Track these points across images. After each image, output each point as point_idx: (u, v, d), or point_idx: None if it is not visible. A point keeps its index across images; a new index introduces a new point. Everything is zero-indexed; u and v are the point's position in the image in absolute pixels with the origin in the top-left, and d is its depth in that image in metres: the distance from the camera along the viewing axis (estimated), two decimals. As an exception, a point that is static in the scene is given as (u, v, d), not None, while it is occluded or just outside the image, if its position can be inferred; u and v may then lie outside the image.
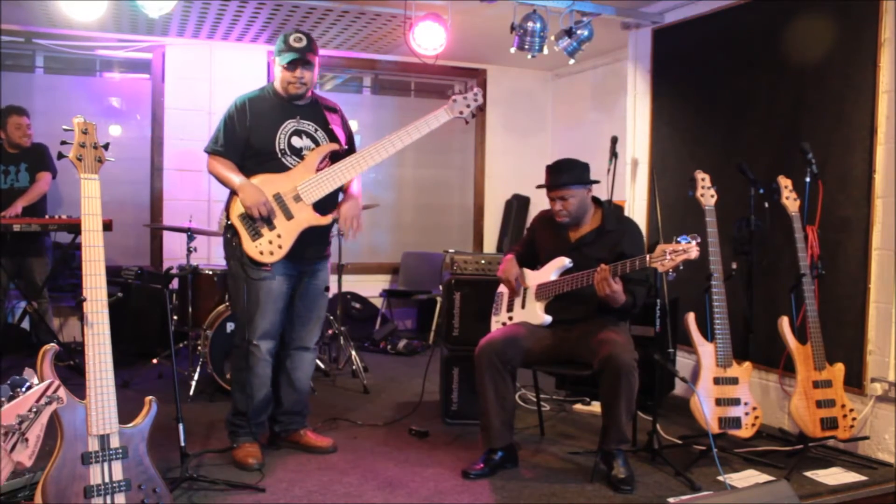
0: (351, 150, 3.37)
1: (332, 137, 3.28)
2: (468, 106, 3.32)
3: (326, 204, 3.20)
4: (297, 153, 3.20)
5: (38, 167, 4.75)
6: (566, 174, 3.18)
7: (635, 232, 3.25)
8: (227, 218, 3.16)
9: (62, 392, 2.09)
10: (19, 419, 2.00)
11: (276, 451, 3.36)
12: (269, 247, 3.10)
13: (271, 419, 3.43)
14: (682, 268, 2.81)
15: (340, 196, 3.36)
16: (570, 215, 3.21)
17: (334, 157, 3.25)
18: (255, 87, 3.34)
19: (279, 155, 3.17)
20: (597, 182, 3.24)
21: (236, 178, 3.13)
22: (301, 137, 3.22)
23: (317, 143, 3.24)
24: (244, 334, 3.19)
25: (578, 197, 3.17)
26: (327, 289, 3.42)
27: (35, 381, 2.09)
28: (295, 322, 3.33)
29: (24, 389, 2.04)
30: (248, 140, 3.18)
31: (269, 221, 3.10)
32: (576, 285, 3.10)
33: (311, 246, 3.25)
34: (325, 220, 3.17)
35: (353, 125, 6.56)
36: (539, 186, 3.29)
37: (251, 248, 3.09)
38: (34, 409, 2.03)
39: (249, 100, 3.23)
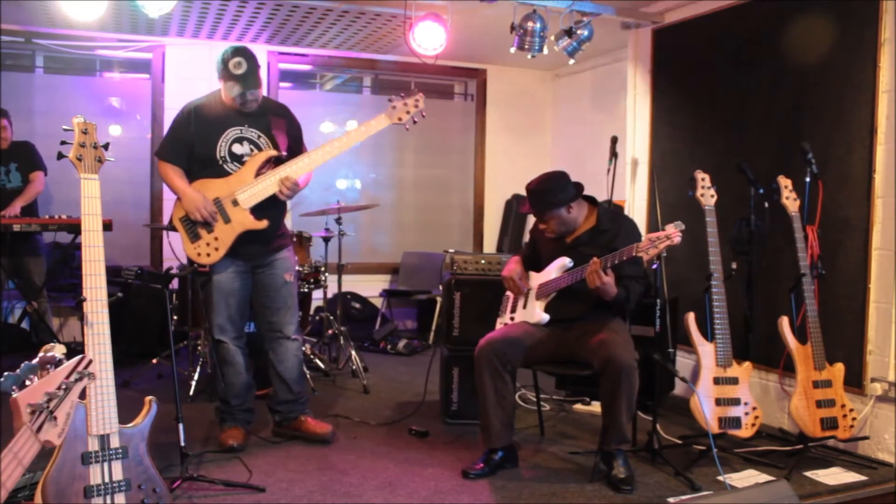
0: (297, 150, 3.42)
1: (275, 144, 3.36)
2: (408, 112, 3.38)
3: (265, 208, 3.28)
4: (238, 160, 3.30)
5: (29, 167, 4.72)
6: (540, 202, 3.22)
7: (630, 229, 3.26)
8: (170, 221, 3.30)
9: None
10: (47, 397, 1.97)
11: (276, 451, 3.36)
12: (207, 248, 3.24)
13: (270, 410, 3.54)
14: (665, 254, 2.88)
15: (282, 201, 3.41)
16: (555, 232, 3.27)
17: (277, 163, 3.33)
18: (224, 87, 3.35)
19: (220, 162, 3.28)
20: (576, 198, 3.22)
21: (180, 184, 3.27)
22: (242, 144, 3.32)
23: (259, 149, 3.33)
24: (211, 331, 3.39)
25: (557, 217, 3.22)
26: (291, 275, 3.46)
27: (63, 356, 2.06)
28: (264, 313, 3.45)
29: (53, 367, 2.01)
30: (191, 146, 3.30)
31: (207, 225, 3.23)
32: (572, 280, 3.12)
33: (258, 244, 3.34)
34: (261, 224, 3.26)
35: (353, 125, 6.58)
36: (522, 212, 3.34)
37: (190, 249, 3.26)
38: (64, 387, 2.00)
39: (196, 107, 3.35)
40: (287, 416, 3.51)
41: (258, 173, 3.26)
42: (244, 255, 3.33)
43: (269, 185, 3.25)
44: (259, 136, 3.33)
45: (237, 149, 3.30)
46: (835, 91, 3.65)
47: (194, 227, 3.24)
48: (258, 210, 3.26)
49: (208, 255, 3.24)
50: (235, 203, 3.23)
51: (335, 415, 3.91)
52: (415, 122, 3.41)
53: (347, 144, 3.33)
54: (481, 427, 3.18)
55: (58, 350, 2.08)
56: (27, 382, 1.97)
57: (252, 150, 3.31)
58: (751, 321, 3.81)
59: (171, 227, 3.31)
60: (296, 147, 3.44)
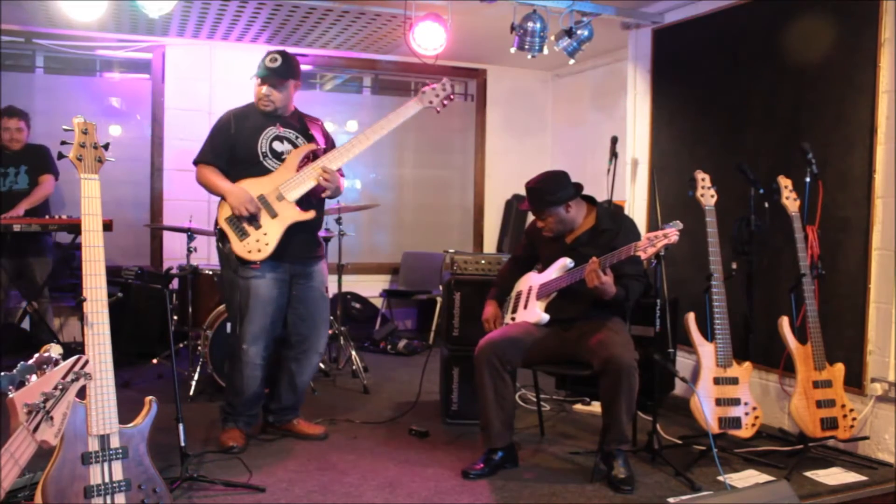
0: None
1: (312, 141, 3.39)
2: (437, 95, 3.45)
3: (309, 203, 3.32)
4: (279, 157, 3.33)
5: (39, 170, 4.71)
6: (539, 200, 3.23)
7: (630, 229, 3.26)
8: (217, 223, 3.27)
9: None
10: (44, 397, 1.97)
11: (276, 451, 3.36)
12: (257, 245, 3.22)
13: (266, 410, 3.57)
14: (663, 253, 2.90)
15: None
16: (554, 231, 3.27)
17: (315, 158, 3.36)
18: (254, 87, 3.41)
19: (261, 158, 3.30)
20: (575, 196, 3.23)
21: (223, 184, 3.26)
22: (282, 142, 3.35)
23: (297, 147, 3.36)
24: (236, 337, 3.34)
25: (556, 216, 3.23)
26: (326, 289, 3.50)
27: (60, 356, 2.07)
28: (299, 326, 3.43)
29: (50, 367, 2.02)
30: (232, 148, 3.31)
31: (254, 221, 3.22)
32: (572, 280, 3.12)
33: (300, 247, 3.34)
34: (308, 214, 3.27)
35: (353, 125, 6.60)
36: (522, 209, 3.36)
37: (239, 247, 3.22)
38: (60, 387, 1.99)
39: (236, 111, 3.39)
40: (281, 418, 3.56)
41: (299, 168, 3.29)
42: (288, 257, 3.31)
43: (310, 175, 3.27)
44: (297, 137, 3.39)
45: (277, 146, 3.33)
46: (835, 91, 3.65)
47: (241, 225, 3.23)
48: (303, 205, 3.28)
49: (259, 250, 3.22)
50: (280, 198, 3.24)
51: (334, 418, 3.91)
52: (444, 105, 3.48)
53: (380, 132, 3.39)
54: (481, 427, 3.18)
55: (54, 350, 2.08)
56: (24, 382, 1.97)
57: (291, 149, 3.35)
58: (751, 321, 3.82)
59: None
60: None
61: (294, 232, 3.28)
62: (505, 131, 6.85)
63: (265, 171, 3.29)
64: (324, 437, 3.54)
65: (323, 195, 3.36)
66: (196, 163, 3.36)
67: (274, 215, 3.24)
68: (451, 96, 3.48)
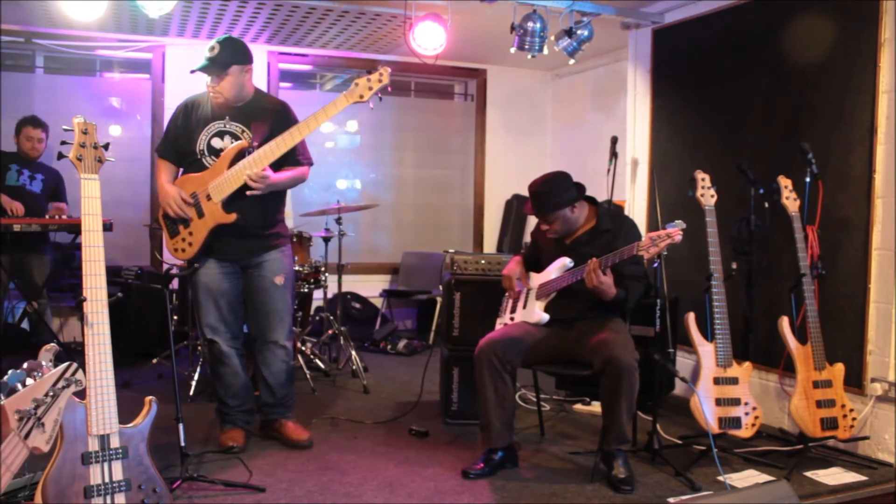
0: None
1: (256, 134, 3.26)
2: (370, 88, 3.18)
3: (248, 204, 3.20)
4: (217, 154, 3.28)
5: (54, 193, 4.83)
6: (544, 203, 3.20)
7: (631, 229, 3.26)
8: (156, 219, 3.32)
9: (80, 375, 2.08)
10: (35, 403, 1.98)
11: (276, 451, 3.36)
12: (182, 244, 3.26)
13: (257, 408, 3.56)
14: (666, 253, 2.89)
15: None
16: (558, 233, 3.27)
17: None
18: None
19: (199, 156, 3.29)
20: (579, 198, 3.23)
21: (160, 180, 3.33)
22: (223, 138, 3.29)
23: None
24: (202, 331, 3.39)
25: (560, 218, 3.22)
26: (284, 277, 3.37)
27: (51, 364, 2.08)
28: (254, 316, 3.42)
29: (41, 373, 2.02)
30: (177, 140, 3.33)
31: (184, 220, 3.23)
32: (571, 280, 3.12)
33: (238, 241, 3.29)
34: (229, 218, 3.19)
35: (353, 125, 6.59)
36: (526, 212, 3.35)
37: (169, 245, 3.30)
38: (51, 393, 2.00)
39: (188, 103, 3.37)
40: (269, 416, 3.50)
41: (230, 166, 3.18)
42: (226, 254, 3.29)
43: (234, 176, 3.15)
44: (243, 131, 3.28)
45: (216, 143, 3.28)
46: (835, 91, 3.65)
47: (174, 223, 3.26)
48: (234, 204, 3.17)
49: (183, 250, 3.26)
50: (209, 197, 3.20)
51: (334, 417, 3.91)
52: (380, 99, 3.22)
53: (306, 131, 3.17)
54: (481, 427, 3.18)
55: (45, 356, 2.09)
56: (15, 389, 1.98)
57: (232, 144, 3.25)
58: (751, 321, 3.81)
59: (158, 226, 3.33)
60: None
61: (232, 233, 3.22)
62: (505, 131, 6.85)
63: (203, 168, 3.26)
64: (308, 444, 3.41)
65: (249, 192, 3.16)
66: (156, 152, 3.41)
67: (201, 215, 3.23)
68: (389, 88, 3.20)
